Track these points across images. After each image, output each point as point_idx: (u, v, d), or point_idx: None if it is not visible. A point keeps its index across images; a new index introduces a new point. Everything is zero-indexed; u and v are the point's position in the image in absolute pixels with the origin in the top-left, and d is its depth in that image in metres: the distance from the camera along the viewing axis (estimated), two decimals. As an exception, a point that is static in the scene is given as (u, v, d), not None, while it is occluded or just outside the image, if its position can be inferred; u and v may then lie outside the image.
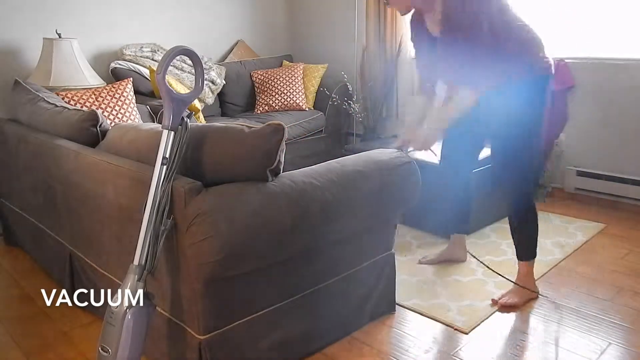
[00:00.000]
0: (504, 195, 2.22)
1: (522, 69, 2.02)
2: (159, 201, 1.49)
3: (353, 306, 1.99)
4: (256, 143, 1.55)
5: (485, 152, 2.95)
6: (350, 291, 1.96)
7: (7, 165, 2.70)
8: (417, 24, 2.18)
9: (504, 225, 3.00)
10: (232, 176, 1.57)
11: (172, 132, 1.54)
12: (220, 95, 4.13)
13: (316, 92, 4.29)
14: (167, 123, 1.54)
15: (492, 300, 2.21)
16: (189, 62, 3.81)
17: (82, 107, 2.70)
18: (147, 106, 3.27)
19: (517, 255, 2.24)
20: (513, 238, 2.24)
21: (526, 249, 2.22)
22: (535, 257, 2.22)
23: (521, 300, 2.19)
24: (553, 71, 2.07)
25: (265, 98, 4.18)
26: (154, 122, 3.18)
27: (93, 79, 3.19)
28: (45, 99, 2.49)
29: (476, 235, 2.88)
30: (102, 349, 1.50)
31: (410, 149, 2.20)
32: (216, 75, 4.01)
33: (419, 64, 2.32)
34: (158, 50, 3.79)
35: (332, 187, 1.69)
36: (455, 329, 2.03)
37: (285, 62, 4.57)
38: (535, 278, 2.39)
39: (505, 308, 2.16)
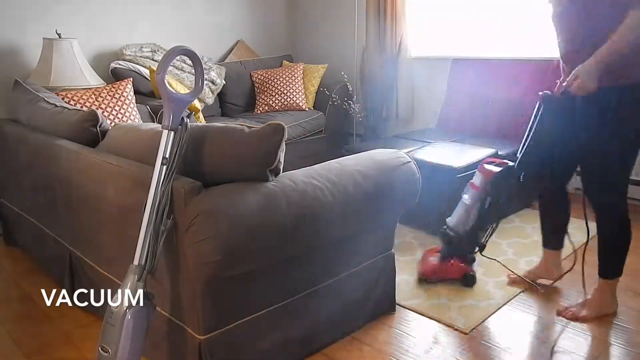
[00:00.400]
0: (593, 208, 2.03)
1: None
2: (159, 201, 1.49)
3: (353, 306, 1.99)
4: (256, 143, 1.55)
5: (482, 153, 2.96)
6: (350, 291, 1.96)
7: (7, 166, 2.70)
8: None
9: (505, 226, 3.00)
10: (232, 176, 1.57)
11: (172, 132, 1.54)
12: (220, 96, 4.13)
13: (316, 92, 4.29)
14: (167, 123, 1.54)
15: (557, 310, 2.11)
16: (189, 62, 3.81)
17: (82, 107, 2.70)
18: (147, 106, 3.27)
19: (600, 272, 2.07)
20: (599, 252, 2.07)
21: (612, 266, 2.05)
22: (619, 275, 2.05)
23: (592, 314, 2.05)
24: None
25: (265, 98, 4.19)
26: (154, 122, 3.18)
27: (93, 79, 3.19)
28: (45, 99, 2.49)
29: (476, 235, 2.88)
30: (102, 349, 1.50)
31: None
32: (216, 75, 4.01)
33: None
34: (158, 50, 3.79)
35: (332, 187, 1.69)
36: (455, 329, 2.03)
37: (285, 62, 4.57)
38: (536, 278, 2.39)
39: (574, 320, 2.05)
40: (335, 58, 4.59)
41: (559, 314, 2.10)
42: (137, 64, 3.62)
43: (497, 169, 2.21)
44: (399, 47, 4.07)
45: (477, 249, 2.36)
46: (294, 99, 4.15)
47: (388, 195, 1.89)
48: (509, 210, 3.16)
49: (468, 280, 2.33)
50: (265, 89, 4.22)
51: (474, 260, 2.38)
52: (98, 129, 2.08)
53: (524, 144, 2.13)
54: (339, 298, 1.92)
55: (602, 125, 1.88)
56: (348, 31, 4.49)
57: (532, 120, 2.09)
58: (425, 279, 2.37)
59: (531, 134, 2.11)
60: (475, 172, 2.35)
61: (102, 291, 2.02)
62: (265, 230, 1.51)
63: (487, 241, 2.34)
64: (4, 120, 2.77)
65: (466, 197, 2.31)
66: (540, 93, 2.04)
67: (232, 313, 1.62)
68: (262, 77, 4.26)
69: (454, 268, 2.34)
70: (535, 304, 2.20)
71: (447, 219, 2.38)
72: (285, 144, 1.60)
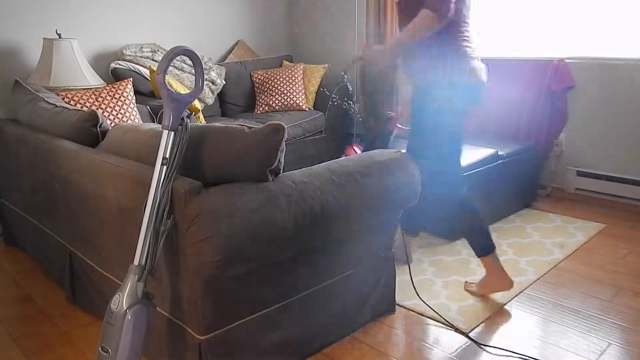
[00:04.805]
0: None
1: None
2: (159, 201, 1.49)
3: (353, 306, 1.99)
4: (256, 143, 1.55)
5: (478, 155, 2.96)
6: (351, 291, 1.96)
7: (7, 166, 2.70)
8: None
9: (504, 226, 3.01)
10: (232, 176, 1.57)
11: (172, 133, 1.54)
12: (220, 96, 4.13)
13: (316, 93, 4.29)
14: (167, 123, 1.54)
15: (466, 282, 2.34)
16: (189, 62, 3.81)
17: (82, 107, 2.70)
18: (147, 106, 3.27)
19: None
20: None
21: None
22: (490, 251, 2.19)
23: (479, 291, 2.26)
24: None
25: (265, 98, 4.18)
26: (154, 122, 3.18)
27: (93, 79, 3.18)
28: (45, 99, 2.49)
29: (476, 235, 2.88)
30: (102, 349, 1.50)
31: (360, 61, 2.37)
32: (216, 76, 4.01)
33: None
34: (158, 50, 3.79)
35: (332, 187, 1.69)
36: (455, 329, 2.03)
37: (285, 62, 4.57)
38: (535, 278, 2.39)
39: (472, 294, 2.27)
40: (335, 58, 4.58)
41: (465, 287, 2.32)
42: (137, 64, 3.62)
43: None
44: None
45: None
46: (294, 99, 4.15)
47: (388, 195, 1.89)
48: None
49: None
50: (265, 89, 4.21)
51: None
52: (98, 129, 2.08)
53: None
54: (339, 298, 1.92)
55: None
56: (348, 31, 4.48)
57: None
58: None
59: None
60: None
61: (102, 291, 2.02)
62: (265, 230, 1.51)
63: None
64: (4, 120, 2.77)
65: None
66: None
67: (232, 313, 1.62)
68: (262, 77, 4.26)
69: None
70: (535, 304, 2.20)
71: None
72: (285, 144, 1.60)
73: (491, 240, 2.20)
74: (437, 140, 2.14)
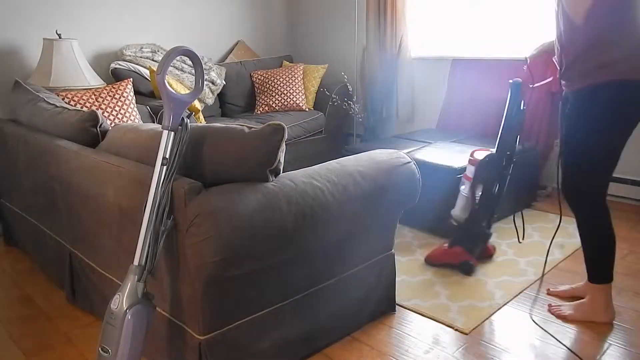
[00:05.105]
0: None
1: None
2: (159, 201, 1.49)
3: (353, 306, 1.99)
4: (256, 143, 1.55)
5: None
6: (350, 291, 1.96)
7: (7, 166, 2.70)
8: None
9: (504, 226, 3.00)
10: (232, 176, 1.57)
11: (172, 133, 1.54)
12: (220, 96, 4.13)
13: (316, 93, 4.29)
14: (167, 123, 1.54)
15: (548, 305, 2.15)
16: (189, 62, 3.81)
17: (82, 107, 2.70)
18: (147, 106, 3.27)
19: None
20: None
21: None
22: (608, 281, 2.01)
23: (577, 317, 2.06)
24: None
25: (265, 98, 4.19)
26: (154, 122, 3.18)
27: (93, 80, 3.19)
28: (45, 99, 2.49)
29: (476, 236, 2.88)
30: (102, 349, 1.50)
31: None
32: (216, 76, 4.01)
33: None
34: (158, 51, 3.79)
35: (332, 187, 1.69)
36: (456, 329, 2.03)
37: (285, 62, 4.57)
38: (536, 278, 2.39)
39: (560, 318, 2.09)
40: (335, 58, 4.59)
41: (549, 309, 2.14)
42: (137, 64, 3.62)
43: (481, 157, 2.45)
44: (399, 47, 4.07)
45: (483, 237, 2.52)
46: (294, 99, 4.15)
47: (388, 195, 1.89)
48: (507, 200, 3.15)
49: (464, 268, 2.45)
50: (265, 89, 4.22)
51: (478, 250, 2.51)
52: (98, 129, 2.08)
53: (500, 131, 2.40)
54: (339, 298, 1.92)
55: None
56: (348, 31, 4.49)
57: (506, 107, 2.32)
58: (429, 263, 2.54)
59: (503, 120, 2.37)
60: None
61: (102, 291, 2.02)
62: (265, 230, 1.51)
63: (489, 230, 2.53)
64: (4, 120, 2.77)
65: (462, 188, 2.49)
66: (510, 80, 2.30)
67: (232, 313, 1.62)
68: (262, 78, 4.26)
69: (454, 255, 2.47)
70: (535, 304, 2.20)
71: (451, 211, 2.54)
72: (285, 144, 1.60)
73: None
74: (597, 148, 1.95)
